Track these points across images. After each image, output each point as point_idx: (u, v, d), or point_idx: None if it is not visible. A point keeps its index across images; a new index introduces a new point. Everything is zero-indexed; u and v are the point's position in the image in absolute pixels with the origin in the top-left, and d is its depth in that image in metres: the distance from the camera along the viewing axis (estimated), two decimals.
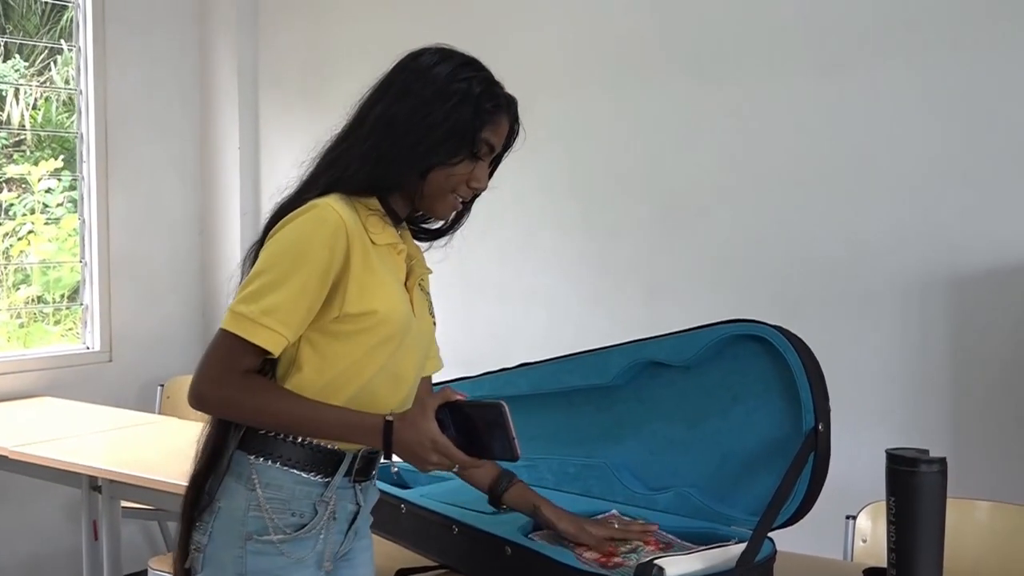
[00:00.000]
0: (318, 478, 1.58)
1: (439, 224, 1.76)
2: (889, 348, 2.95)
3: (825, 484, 1.75)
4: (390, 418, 1.53)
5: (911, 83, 2.92)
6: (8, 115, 4.85)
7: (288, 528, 1.56)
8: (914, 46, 2.91)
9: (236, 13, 4.20)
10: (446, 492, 2.06)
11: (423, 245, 1.78)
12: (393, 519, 2.02)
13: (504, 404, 1.51)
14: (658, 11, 3.35)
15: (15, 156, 4.63)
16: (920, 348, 2.91)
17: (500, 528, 1.82)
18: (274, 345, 1.52)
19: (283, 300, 1.51)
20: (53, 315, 4.39)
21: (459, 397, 1.55)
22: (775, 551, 1.69)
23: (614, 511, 1.96)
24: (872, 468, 2.57)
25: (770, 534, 1.69)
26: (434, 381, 2.25)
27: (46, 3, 4.28)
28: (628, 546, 1.79)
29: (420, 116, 1.58)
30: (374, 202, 1.61)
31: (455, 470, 1.63)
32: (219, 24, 4.21)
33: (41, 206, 4.33)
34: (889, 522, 1.64)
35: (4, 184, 4.38)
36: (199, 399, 1.54)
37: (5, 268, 4.24)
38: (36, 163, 4.37)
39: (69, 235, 4.33)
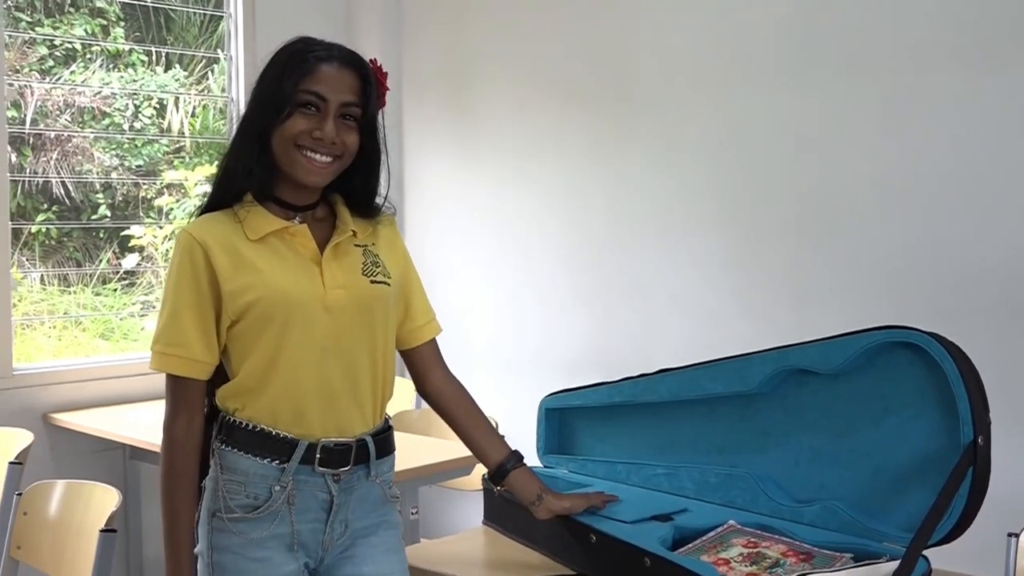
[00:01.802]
0: (274, 464, 1.70)
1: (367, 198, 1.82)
2: None
3: (984, 499, 1.65)
4: None
5: None
6: (169, 123, 5.06)
7: (241, 509, 1.70)
8: None
9: (381, 18, 4.27)
10: None
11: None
12: (529, 524, 2.01)
13: None
14: (803, 10, 3.24)
15: (175, 162, 4.82)
16: None
17: (641, 539, 1.78)
18: (185, 369, 1.69)
19: (170, 325, 1.69)
20: None
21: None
22: (930, 570, 1.62)
23: (731, 521, 1.90)
24: None
25: (925, 552, 1.61)
26: (578, 385, 2.24)
27: (204, 14, 4.44)
28: (768, 560, 1.74)
29: (251, 103, 1.73)
30: (250, 200, 1.73)
31: None
32: (365, 30, 4.28)
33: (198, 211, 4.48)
34: None
35: (165, 189, 4.57)
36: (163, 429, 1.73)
37: (162, 269, 4.41)
38: (193, 168, 4.54)
39: None
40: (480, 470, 3.19)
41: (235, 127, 1.76)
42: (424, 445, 3.01)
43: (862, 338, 1.79)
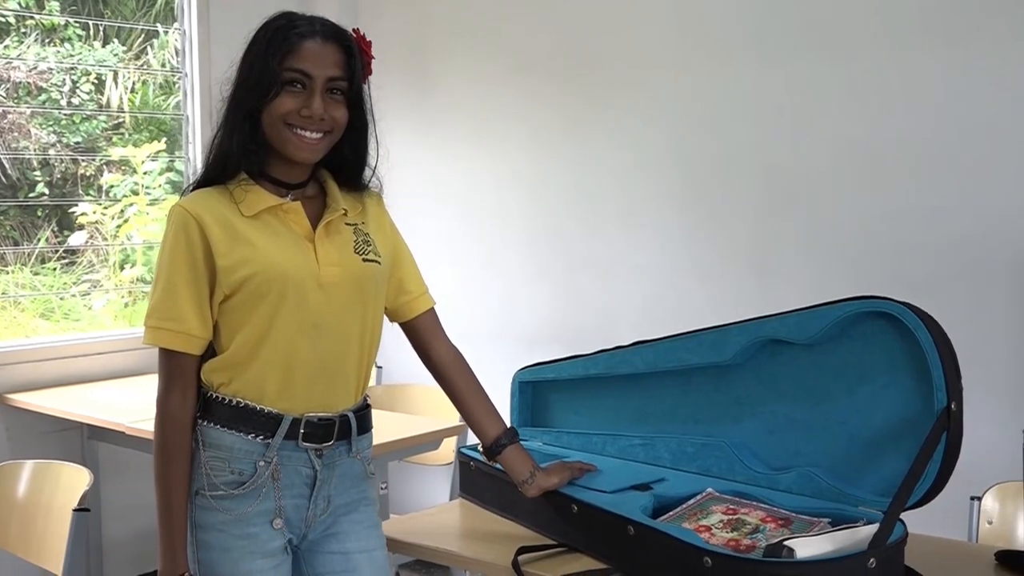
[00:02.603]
0: (258, 439, 1.71)
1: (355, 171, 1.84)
2: (1011, 326, 2.87)
3: None
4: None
5: None
6: (108, 99, 4.98)
7: (226, 486, 1.71)
8: None
9: None
10: None
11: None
12: (507, 496, 2.04)
13: None
14: None
15: (114, 139, 4.75)
16: None
17: (622, 508, 1.81)
18: (180, 343, 1.70)
19: (165, 299, 1.70)
20: None
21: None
22: (907, 533, 1.66)
23: (710, 489, 1.95)
24: (995, 448, 2.53)
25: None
26: (544, 359, 2.27)
27: None
28: (748, 526, 1.78)
29: (237, 81, 1.73)
30: (244, 178, 1.73)
31: None
32: (322, 5, 4.24)
33: (142, 188, 4.43)
34: None
35: (105, 166, 4.50)
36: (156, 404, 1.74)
37: (112, 248, 4.35)
38: (138, 145, 4.47)
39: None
40: (448, 445, 3.24)
41: (222, 106, 1.76)
42: (390, 421, 3.02)
43: (838, 308, 1.83)
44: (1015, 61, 2.85)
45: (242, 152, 1.71)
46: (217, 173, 1.74)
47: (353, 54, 1.74)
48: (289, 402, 1.73)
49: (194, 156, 4.20)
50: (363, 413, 1.84)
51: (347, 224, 1.80)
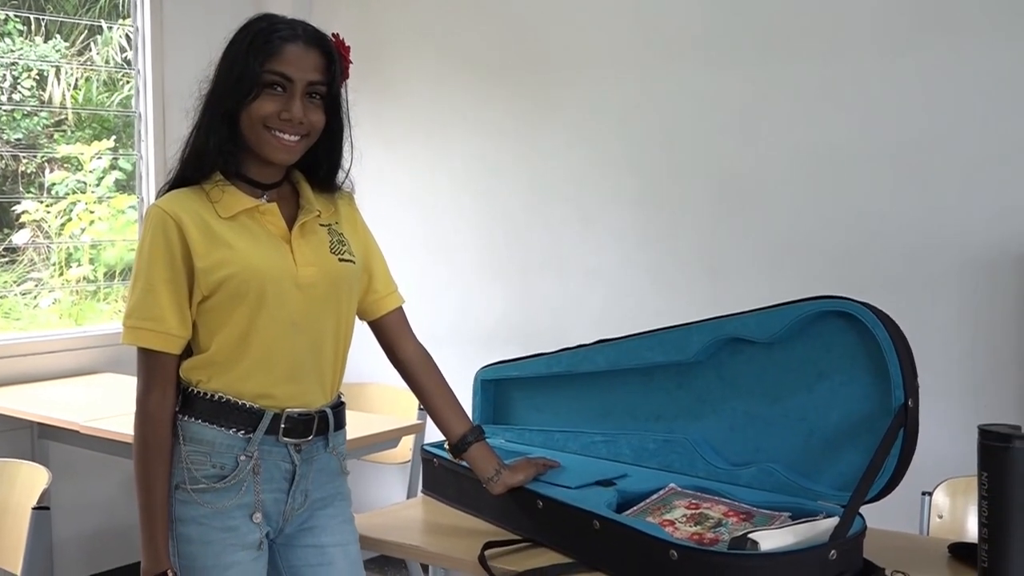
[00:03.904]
0: (239, 434, 1.73)
1: (330, 174, 1.86)
2: (957, 328, 2.96)
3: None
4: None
5: (978, 63, 2.90)
6: (50, 95, 4.92)
7: (207, 479, 1.73)
8: (981, 26, 2.90)
9: None
10: None
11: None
12: (471, 493, 2.07)
13: None
14: None
15: (56, 136, 4.69)
16: (988, 326, 2.92)
17: (587, 502, 1.85)
18: (159, 343, 1.71)
19: (145, 299, 1.71)
20: (99, 293, 4.46)
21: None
22: (865, 526, 1.72)
23: (672, 484, 1.99)
24: (945, 445, 2.61)
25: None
26: (515, 357, 2.30)
27: None
28: (711, 520, 1.83)
29: (216, 81, 1.74)
30: (220, 178, 1.75)
31: None
32: (277, 4, 4.24)
33: (86, 186, 4.39)
34: (981, 498, 1.66)
35: (47, 164, 4.45)
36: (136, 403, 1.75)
37: (59, 246, 4.31)
38: (89, 143, 4.43)
39: (117, 214, 4.39)
40: (405, 443, 3.26)
41: (199, 104, 1.76)
42: (349, 418, 3.03)
43: (798, 307, 1.89)
44: (963, 65, 2.93)
45: (219, 152, 1.73)
46: (192, 172, 1.75)
47: (333, 59, 1.77)
48: (269, 398, 1.75)
49: (146, 153, 4.17)
50: (339, 409, 1.87)
51: (321, 225, 1.83)
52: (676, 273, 3.46)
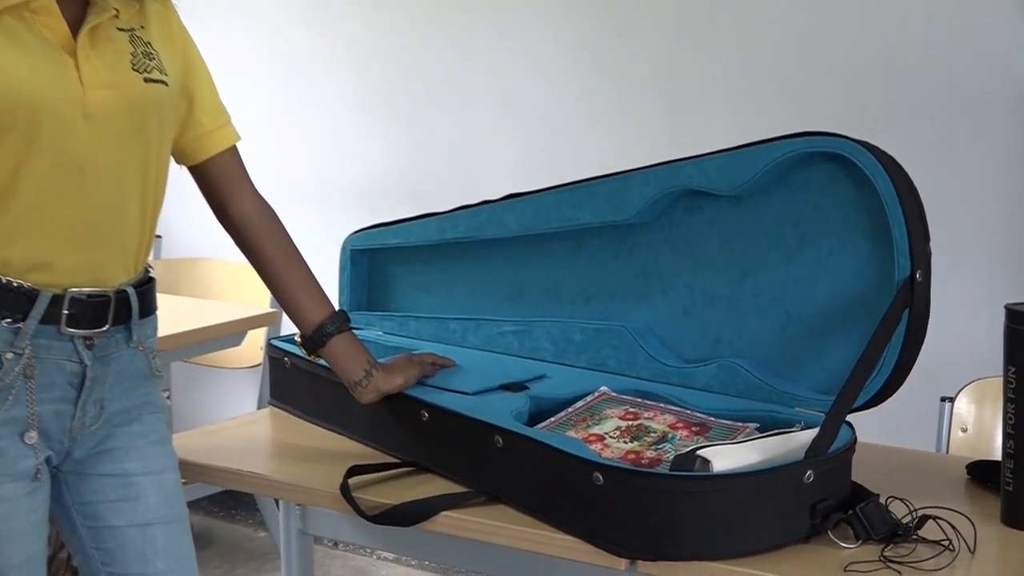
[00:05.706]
0: (4, 322, 1.69)
1: None
2: (997, 177, 2.97)
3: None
4: None
5: None
6: None
7: None
8: None
9: None
10: None
11: None
12: (339, 404, 2.08)
13: None
14: None
15: None
16: None
17: (488, 414, 1.87)
18: None
19: None
20: None
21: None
22: (855, 439, 1.74)
23: (604, 388, 2.03)
24: (972, 339, 2.66)
25: (848, 418, 1.73)
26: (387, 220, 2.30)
27: None
28: (654, 434, 1.85)
29: None
30: None
31: None
32: None
33: None
34: (1007, 400, 1.70)
35: None
36: None
37: None
38: None
39: None
40: (254, 339, 3.26)
41: None
42: (173, 306, 3.00)
43: (773, 148, 1.89)
44: None
45: None
46: None
47: None
48: (46, 273, 1.71)
49: None
50: (145, 289, 1.84)
51: (120, 30, 1.77)
52: (624, 106, 3.45)
